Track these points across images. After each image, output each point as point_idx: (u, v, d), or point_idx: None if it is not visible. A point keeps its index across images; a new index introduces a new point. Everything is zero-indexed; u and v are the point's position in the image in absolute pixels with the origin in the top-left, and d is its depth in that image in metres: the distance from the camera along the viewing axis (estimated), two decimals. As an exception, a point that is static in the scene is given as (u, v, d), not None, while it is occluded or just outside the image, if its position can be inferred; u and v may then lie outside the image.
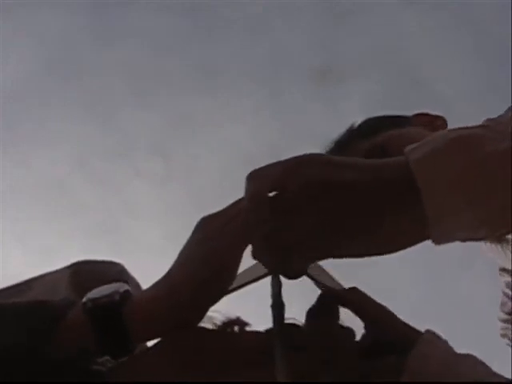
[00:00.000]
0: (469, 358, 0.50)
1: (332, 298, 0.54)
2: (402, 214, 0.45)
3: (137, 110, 2.52)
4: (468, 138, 0.45)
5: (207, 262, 0.49)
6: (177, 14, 2.45)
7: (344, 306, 0.53)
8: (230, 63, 2.50)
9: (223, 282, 0.50)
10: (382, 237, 0.45)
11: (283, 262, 0.49)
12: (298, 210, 0.46)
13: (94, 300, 0.49)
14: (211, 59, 2.49)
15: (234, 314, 0.57)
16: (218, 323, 0.56)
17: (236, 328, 0.55)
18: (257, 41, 2.47)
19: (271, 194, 0.48)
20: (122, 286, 0.51)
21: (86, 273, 0.59)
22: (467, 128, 0.46)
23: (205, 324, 0.53)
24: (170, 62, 2.48)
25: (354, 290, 0.54)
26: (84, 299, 0.49)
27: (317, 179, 0.46)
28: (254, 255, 0.50)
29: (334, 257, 0.48)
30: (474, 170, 0.43)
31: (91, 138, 2.50)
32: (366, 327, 0.52)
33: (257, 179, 0.49)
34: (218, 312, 0.55)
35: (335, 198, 0.45)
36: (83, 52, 2.47)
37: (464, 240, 0.46)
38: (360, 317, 0.52)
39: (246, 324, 0.56)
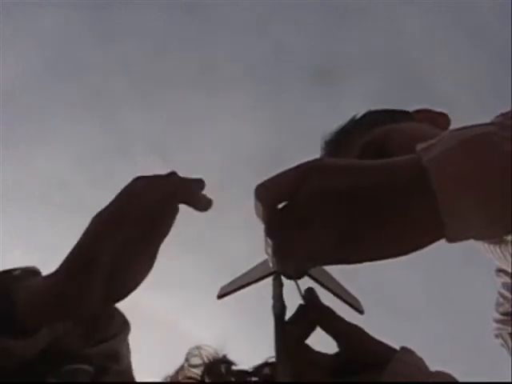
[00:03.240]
0: (441, 377, 0.50)
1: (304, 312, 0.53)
2: (417, 215, 0.45)
3: (136, 110, 2.52)
4: (481, 137, 0.44)
5: (78, 253, 0.50)
6: (177, 13, 2.45)
7: (316, 324, 0.52)
8: (230, 63, 2.50)
9: (94, 272, 0.50)
10: (396, 239, 0.45)
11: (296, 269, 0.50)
12: (310, 220, 0.46)
13: None
14: (211, 59, 2.49)
15: (225, 346, 0.57)
16: (205, 359, 0.56)
17: (223, 367, 0.56)
18: (257, 40, 2.48)
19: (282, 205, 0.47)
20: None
21: None
22: (479, 126, 0.46)
23: (192, 356, 0.54)
24: (170, 62, 2.48)
25: (327, 309, 0.53)
26: None
27: (329, 187, 0.46)
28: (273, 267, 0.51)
29: (349, 263, 0.47)
30: (488, 169, 0.43)
31: (91, 138, 2.51)
32: (339, 346, 0.52)
33: (266, 191, 0.48)
34: (209, 346, 0.56)
35: (349, 204, 0.45)
36: (83, 52, 2.47)
37: (477, 238, 0.46)
38: (332, 336, 0.52)
39: (232, 363, 0.56)
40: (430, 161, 0.44)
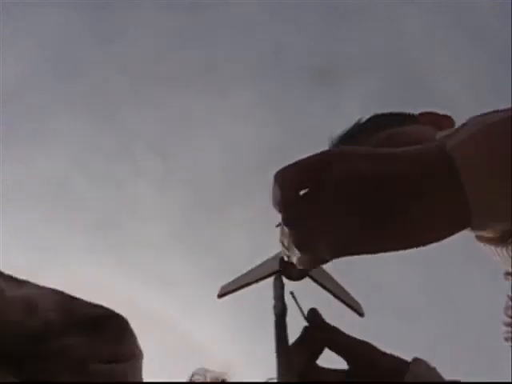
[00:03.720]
0: None
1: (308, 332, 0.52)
2: (442, 203, 0.43)
3: (136, 109, 2.52)
4: (505, 122, 0.43)
5: None
6: (177, 13, 2.45)
7: (326, 346, 0.51)
8: (231, 63, 2.50)
9: None
10: (420, 229, 0.44)
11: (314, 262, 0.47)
12: (332, 208, 0.43)
13: None
14: (211, 59, 2.49)
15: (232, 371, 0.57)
16: (208, 379, 0.56)
17: None
18: (257, 40, 2.47)
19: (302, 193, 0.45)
20: None
21: None
22: (503, 111, 0.45)
23: (197, 375, 0.54)
24: (170, 62, 2.48)
25: (336, 330, 0.52)
26: None
27: (353, 172, 0.43)
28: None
29: (372, 253, 0.45)
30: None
31: (91, 137, 2.51)
32: (349, 365, 0.51)
33: (286, 176, 0.45)
34: (214, 371, 0.56)
35: (374, 192, 0.43)
36: (83, 52, 2.47)
37: (502, 228, 0.45)
38: (341, 356, 0.51)
39: None
40: (454, 147, 0.43)
